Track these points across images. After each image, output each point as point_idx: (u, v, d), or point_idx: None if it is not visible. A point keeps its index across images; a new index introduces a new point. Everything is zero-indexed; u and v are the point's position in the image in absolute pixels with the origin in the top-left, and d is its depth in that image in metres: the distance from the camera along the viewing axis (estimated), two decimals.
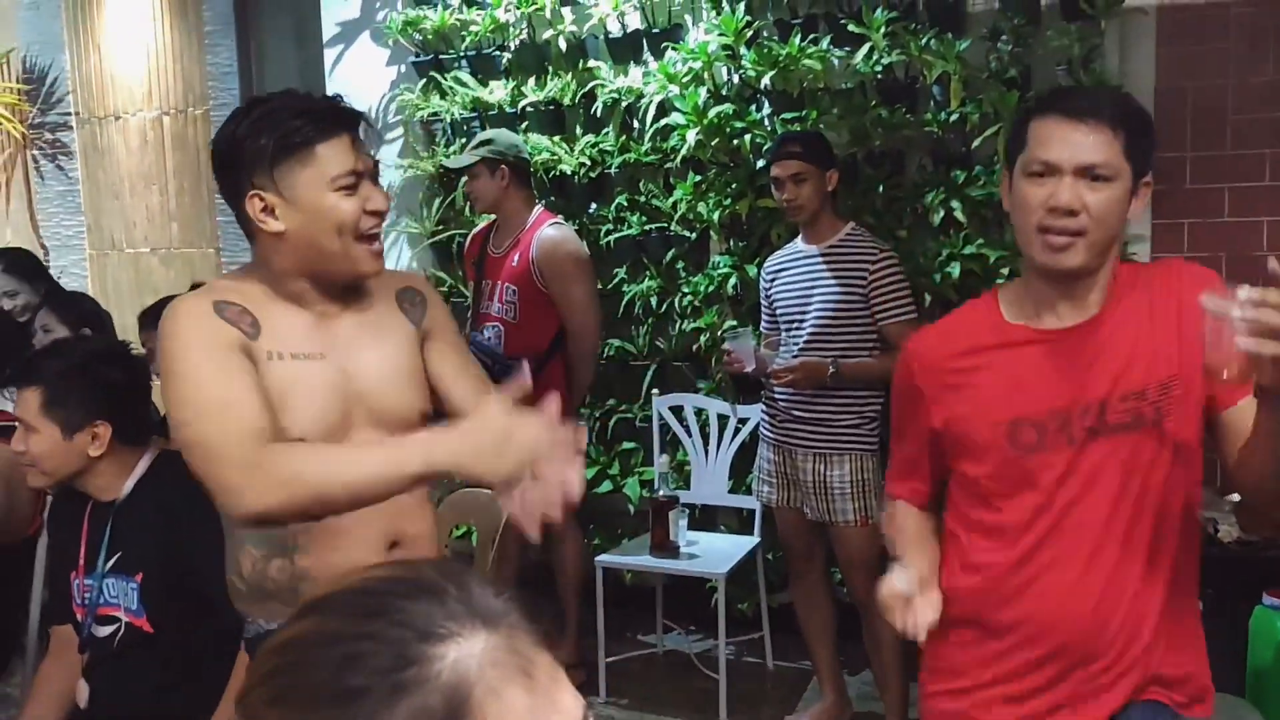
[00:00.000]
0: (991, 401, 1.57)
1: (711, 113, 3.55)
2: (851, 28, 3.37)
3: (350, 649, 0.60)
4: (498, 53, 4.03)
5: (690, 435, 3.69)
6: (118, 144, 5.27)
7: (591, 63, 3.88)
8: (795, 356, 2.96)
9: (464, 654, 0.60)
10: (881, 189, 3.47)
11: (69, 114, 5.35)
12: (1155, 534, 1.52)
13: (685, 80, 3.62)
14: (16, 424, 2.31)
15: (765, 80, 3.51)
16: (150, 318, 3.13)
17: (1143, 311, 1.54)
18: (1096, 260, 1.52)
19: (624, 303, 3.87)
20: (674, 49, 3.67)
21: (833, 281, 2.95)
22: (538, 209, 3.43)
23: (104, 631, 1.96)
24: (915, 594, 1.56)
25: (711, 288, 3.71)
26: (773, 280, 3.12)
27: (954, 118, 3.30)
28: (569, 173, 3.88)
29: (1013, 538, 1.57)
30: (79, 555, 1.99)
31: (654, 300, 3.84)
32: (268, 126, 1.50)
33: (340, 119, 1.54)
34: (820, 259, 2.99)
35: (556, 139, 3.92)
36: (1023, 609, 1.56)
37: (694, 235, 3.77)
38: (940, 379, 1.64)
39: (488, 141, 3.36)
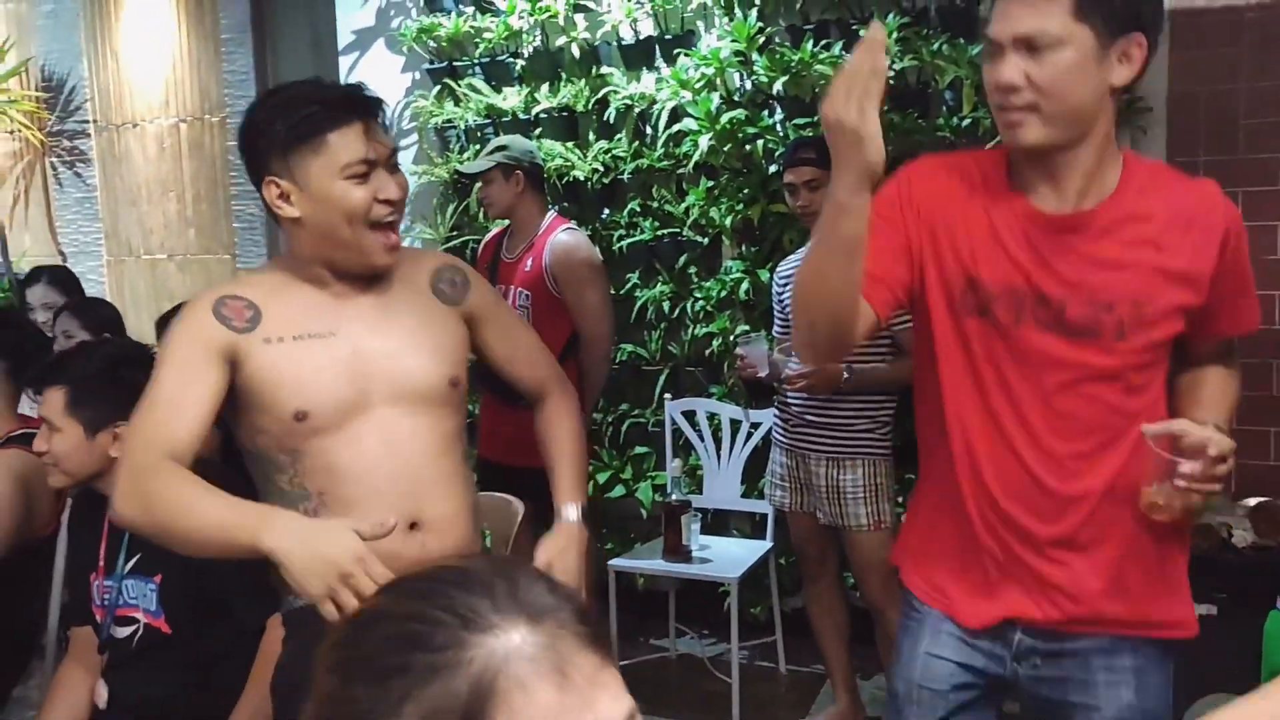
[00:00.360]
0: (958, 254, 1.50)
1: (724, 118, 3.57)
2: (863, 33, 3.37)
3: (399, 628, 0.64)
4: (511, 59, 4.05)
5: (703, 440, 3.69)
6: (135, 151, 5.31)
7: (604, 69, 3.90)
8: None
9: (500, 645, 0.62)
10: None
11: (87, 121, 5.40)
12: (1097, 445, 1.48)
13: (698, 86, 3.64)
14: (37, 430, 2.36)
15: (777, 86, 3.52)
16: (167, 323, 3.16)
17: (1153, 221, 1.45)
18: (1062, 134, 1.41)
19: (636, 308, 3.88)
20: (686, 55, 3.69)
21: None
22: (551, 214, 3.44)
23: (123, 632, 1.98)
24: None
25: (724, 293, 3.72)
26: (786, 285, 3.13)
27: (966, 123, 3.31)
28: (582, 178, 3.90)
29: (936, 400, 1.54)
30: (99, 556, 2.02)
31: (666, 305, 3.86)
32: (282, 114, 1.54)
33: (353, 107, 1.55)
34: None
35: (570, 145, 3.94)
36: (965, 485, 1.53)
37: (706, 240, 3.78)
38: (928, 212, 1.53)
39: (502, 147, 3.37)
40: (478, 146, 3.96)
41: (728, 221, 3.67)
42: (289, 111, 1.53)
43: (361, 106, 1.56)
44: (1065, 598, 1.51)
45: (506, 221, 3.54)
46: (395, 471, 1.59)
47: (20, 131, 5.36)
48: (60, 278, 3.94)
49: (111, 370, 2.00)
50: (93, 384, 1.97)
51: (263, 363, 1.54)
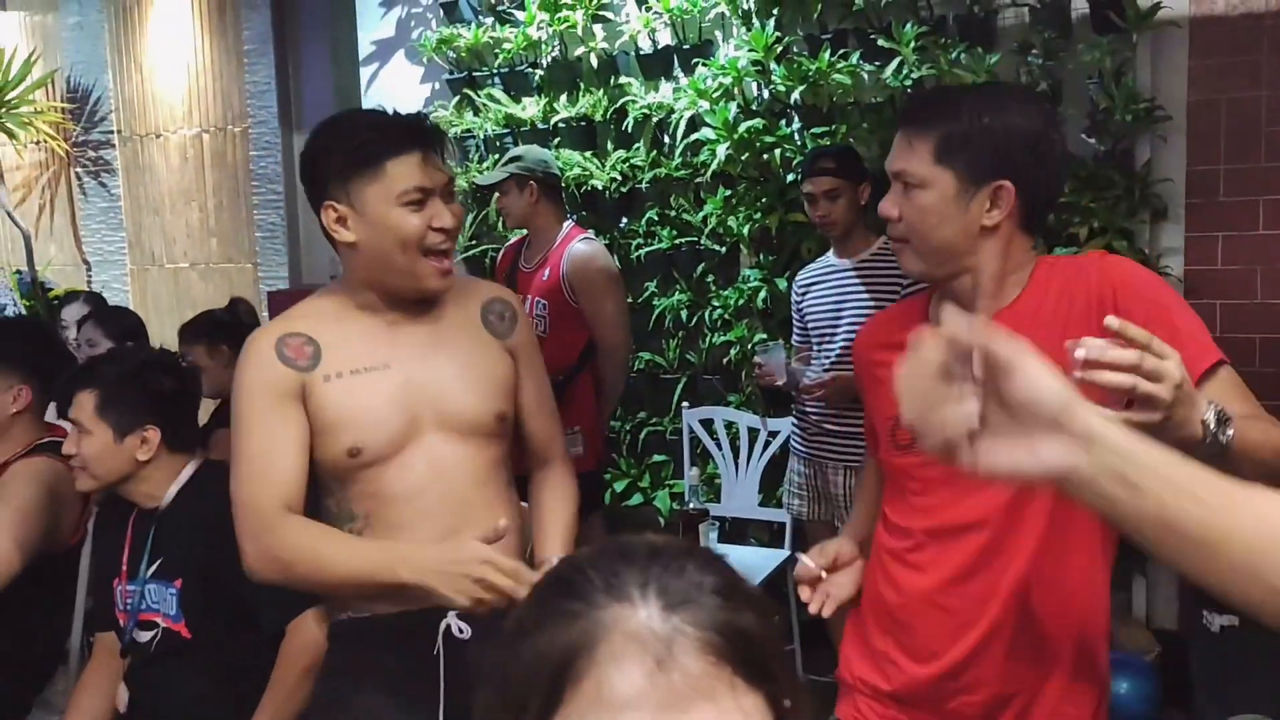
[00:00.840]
0: (886, 397, 1.45)
1: (742, 127, 3.58)
2: (881, 42, 3.38)
3: (559, 575, 0.69)
4: (530, 70, 4.08)
5: (720, 448, 3.70)
6: (158, 161, 5.37)
7: (623, 79, 3.92)
8: (827, 370, 2.97)
9: (618, 616, 0.63)
10: None
11: (111, 132, 5.47)
12: (1060, 548, 1.42)
13: (715, 95, 3.65)
14: (63, 439, 2.38)
15: (795, 95, 3.52)
16: (190, 332, 3.19)
17: (1052, 308, 1.43)
18: (935, 268, 1.47)
19: (654, 316, 3.89)
20: (704, 65, 3.70)
21: (865, 295, 2.96)
22: (568, 224, 3.46)
23: (145, 637, 2.00)
24: (823, 573, 1.54)
25: (742, 301, 3.73)
26: (804, 294, 3.13)
27: None
28: (600, 188, 3.91)
29: (905, 538, 1.52)
30: (122, 561, 2.04)
31: (684, 314, 3.86)
32: (343, 140, 1.57)
33: (413, 136, 1.58)
34: (852, 273, 3.00)
35: (588, 154, 3.96)
36: (909, 619, 1.50)
37: (724, 249, 3.79)
38: (867, 369, 1.61)
39: (517, 158, 3.39)
40: (497, 156, 3.98)
41: (745, 230, 3.68)
42: (350, 138, 1.57)
43: (421, 136, 1.59)
44: None
45: (524, 231, 3.56)
46: (441, 496, 1.62)
47: (46, 142, 5.43)
48: (93, 299, 4.08)
49: (141, 375, 2.04)
50: (123, 388, 2.00)
51: (323, 401, 1.58)
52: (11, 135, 5.28)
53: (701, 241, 3.81)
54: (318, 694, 1.72)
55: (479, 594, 1.43)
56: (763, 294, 3.67)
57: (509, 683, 0.64)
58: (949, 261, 1.46)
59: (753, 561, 3.41)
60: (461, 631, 1.60)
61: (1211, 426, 1.14)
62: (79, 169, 5.61)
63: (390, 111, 1.64)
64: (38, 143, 5.48)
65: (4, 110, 5.20)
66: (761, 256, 3.76)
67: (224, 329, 3.15)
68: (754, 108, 3.68)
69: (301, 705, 1.86)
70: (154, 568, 1.99)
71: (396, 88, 4.37)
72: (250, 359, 1.60)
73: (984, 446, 0.80)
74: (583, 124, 3.97)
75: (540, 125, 4.02)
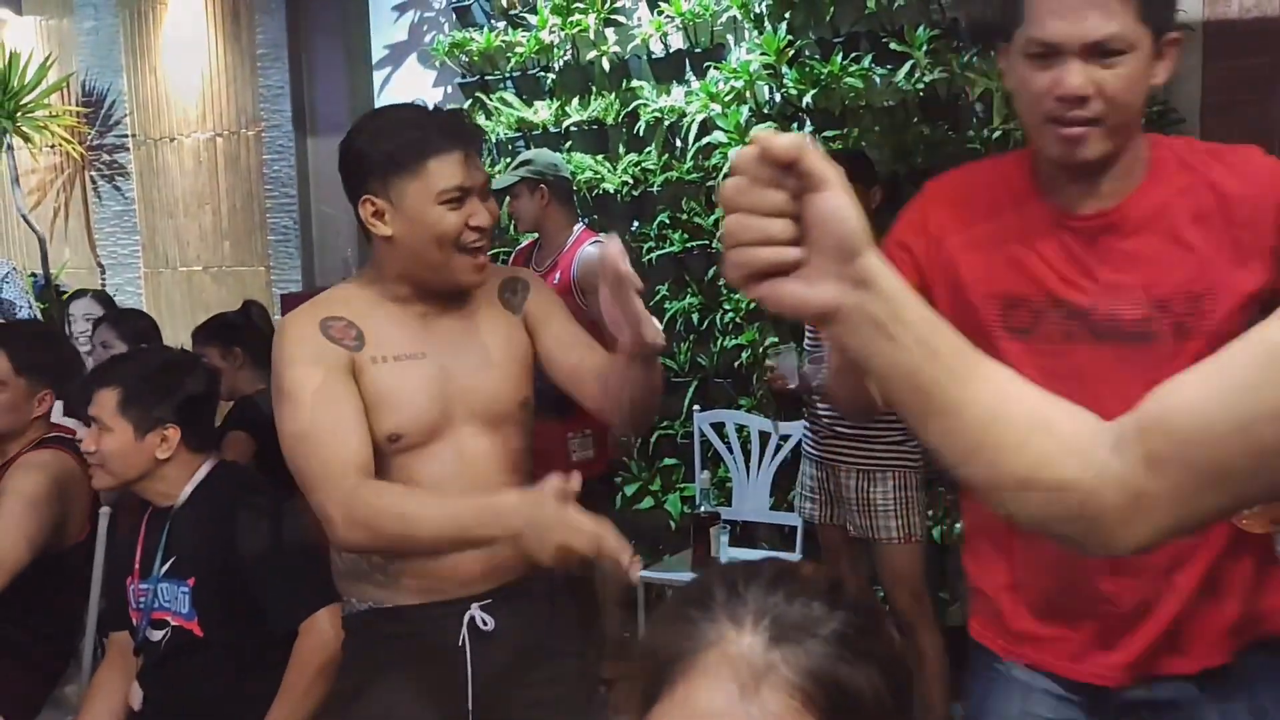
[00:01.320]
0: (990, 275, 1.38)
1: (753, 131, 3.58)
2: (893, 46, 3.38)
3: (698, 582, 0.70)
4: (542, 73, 4.09)
5: (731, 452, 3.69)
6: (172, 164, 5.40)
7: (634, 82, 3.92)
8: None
9: (725, 634, 0.65)
10: None
11: (126, 135, 5.50)
12: None
13: (727, 99, 3.65)
14: (71, 435, 2.40)
15: (807, 99, 3.52)
16: (203, 334, 3.20)
17: (1193, 204, 1.31)
18: (1119, 144, 1.30)
19: (665, 319, 3.89)
20: (716, 68, 3.71)
21: None
22: (579, 227, 3.46)
23: (157, 635, 2.01)
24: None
25: (753, 305, 3.72)
26: None
27: (997, 135, 3.30)
28: (611, 191, 3.92)
29: None
30: (135, 560, 2.05)
31: (695, 317, 3.86)
32: (386, 136, 1.58)
33: (455, 135, 1.60)
34: None
35: (599, 158, 3.96)
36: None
37: None
38: (947, 236, 1.42)
39: (527, 162, 3.40)
40: (508, 160, 3.99)
41: None
42: (394, 134, 1.58)
43: (463, 136, 1.61)
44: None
45: (536, 234, 3.56)
46: (468, 485, 1.63)
47: (61, 146, 5.46)
48: (101, 296, 4.14)
49: (163, 374, 2.06)
50: (145, 386, 2.02)
51: (372, 381, 1.59)
52: (27, 139, 5.32)
53: (713, 245, 3.81)
54: (339, 684, 1.73)
55: (558, 550, 1.39)
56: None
57: (640, 658, 0.68)
58: (1131, 131, 1.31)
59: None
60: (485, 623, 1.61)
61: None
62: (94, 172, 5.64)
63: (432, 108, 1.66)
64: (53, 146, 5.51)
65: (20, 114, 5.24)
66: None
67: (237, 332, 3.16)
68: (766, 111, 3.68)
69: (315, 704, 1.87)
70: (167, 566, 2.00)
71: (409, 91, 4.39)
72: (293, 339, 1.60)
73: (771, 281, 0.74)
74: (594, 127, 3.98)
75: (552, 129, 4.03)
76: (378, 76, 4.51)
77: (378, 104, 4.45)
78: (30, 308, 4.43)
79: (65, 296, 5.12)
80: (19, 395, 2.39)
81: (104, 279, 5.63)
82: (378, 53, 4.50)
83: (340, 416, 1.55)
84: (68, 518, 2.35)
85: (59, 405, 2.48)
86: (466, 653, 1.61)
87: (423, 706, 1.61)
